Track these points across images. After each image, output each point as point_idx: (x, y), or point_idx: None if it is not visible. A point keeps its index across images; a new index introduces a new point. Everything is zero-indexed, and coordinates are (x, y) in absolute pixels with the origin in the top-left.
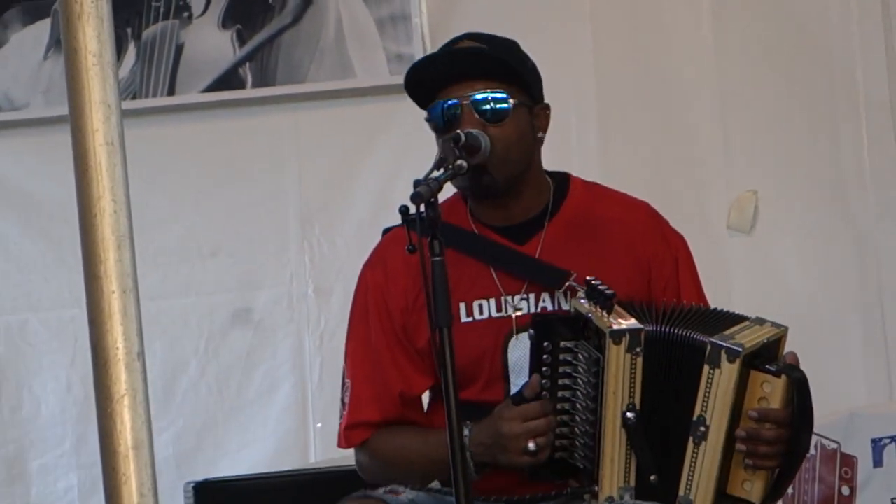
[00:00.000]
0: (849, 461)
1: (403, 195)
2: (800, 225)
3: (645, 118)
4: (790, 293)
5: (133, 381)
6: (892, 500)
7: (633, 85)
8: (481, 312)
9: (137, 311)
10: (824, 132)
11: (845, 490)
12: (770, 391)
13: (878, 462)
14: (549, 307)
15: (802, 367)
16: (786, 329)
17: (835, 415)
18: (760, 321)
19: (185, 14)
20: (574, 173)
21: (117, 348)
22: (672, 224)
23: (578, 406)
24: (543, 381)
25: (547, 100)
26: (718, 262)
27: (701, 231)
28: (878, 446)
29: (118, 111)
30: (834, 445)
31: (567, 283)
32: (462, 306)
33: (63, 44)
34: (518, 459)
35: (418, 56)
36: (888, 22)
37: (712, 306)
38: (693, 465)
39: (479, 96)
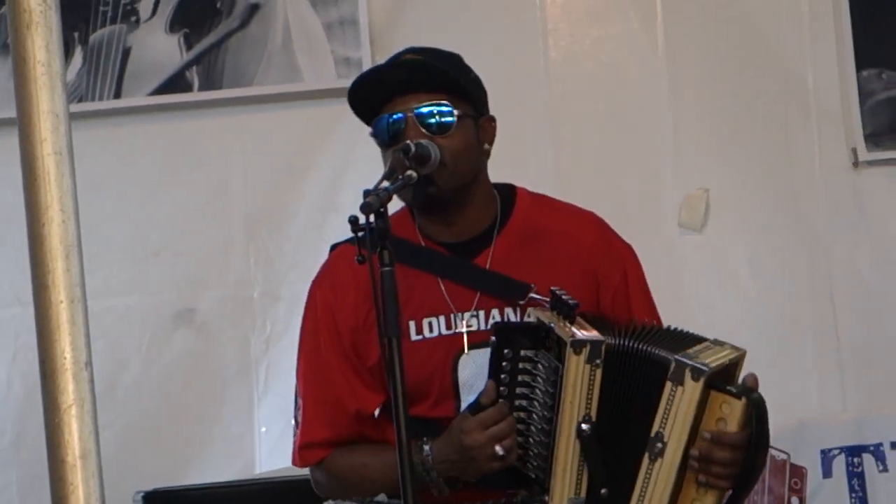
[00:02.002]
0: (798, 472)
1: (350, 199)
2: (751, 225)
3: (596, 120)
4: (742, 293)
5: (81, 391)
6: None
7: (585, 87)
8: (431, 330)
9: (85, 320)
10: (775, 134)
11: (795, 501)
12: (729, 412)
13: (827, 473)
14: (501, 323)
15: (753, 369)
16: (744, 352)
17: (785, 425)
18: (719, 343)
19: (133, 18)
20: (526, 177)
21: (65, 358)
22: (623, 223)
23: (535, 415)
24: (501, 389)
25: (496, 103)
26: (670, 261)
27: (652, 230)
28: (827, 457)
29: (66, 121)
30: (784, 456)
31: (529, 295)
32: (412, 324)
33: (12, 53)
34: (488, 466)
35: (366, 60)
36: (839, 25)
37: (664, 312)
38: (647, 480)
39: (423, 109)
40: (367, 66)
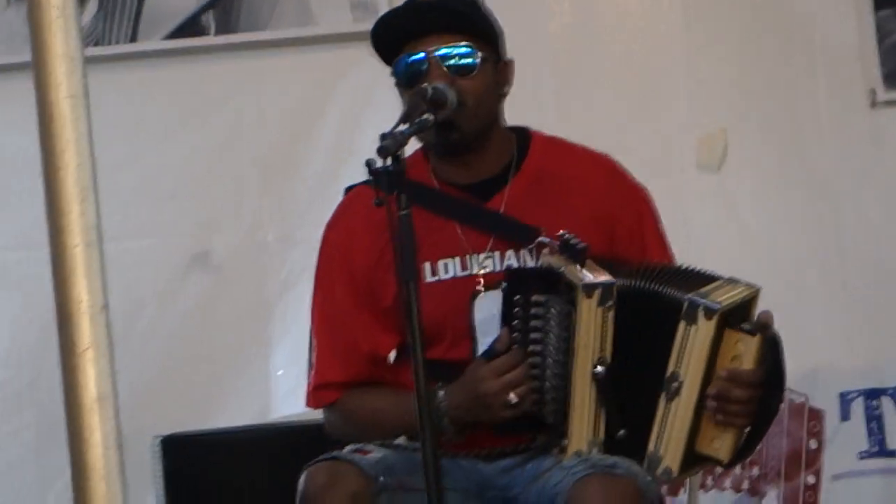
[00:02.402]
0: (816, 415)
1: (364, 143)
2: (763, 167)
3: (606, 61)
4: (751, 236)
5: (97, 335)
6: (858, 454)
7: (594, 25)
8: (446, 271)
9: (101, 264)
10: (789, 75)
11: (813, 444)
12: (744, 350)
13: (845, 416)
14: (515, 265)
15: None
16: (759, 289)
17: (801, 369)
18: (733, 281)
19: None
20: (532, 117)
21: (81, 302)
22: (636, 164)
23: (549, 360)
24: (514, 335)
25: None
26: (680, 203)
27: (663, 172)
28: (845, 400)
29: (81, 64)
30: (801, 399)
31: (537, 239)
32: (427, 266)
33: None
34: (502, 413)
35: (382, 4)
36: None
37: (677, 252)
38: (664, 420)
39: (446, 50)
40: (382, 11)
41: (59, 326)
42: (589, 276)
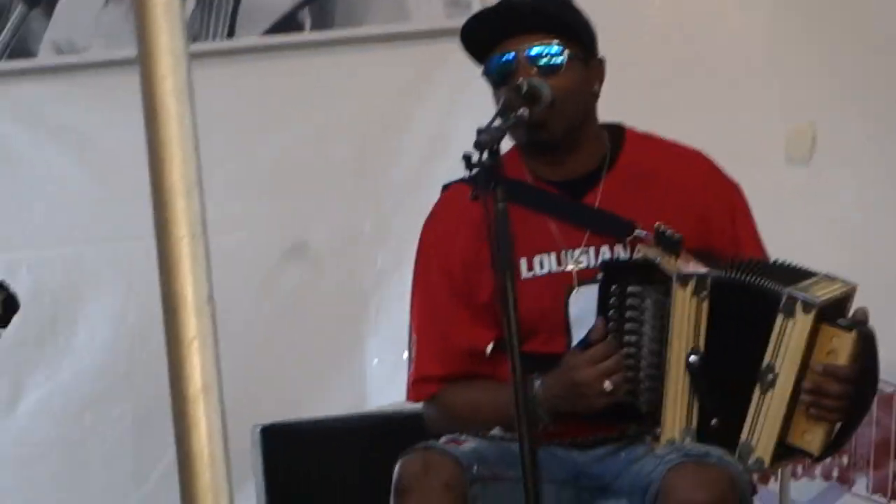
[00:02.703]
0: None
1: (458, 137)
2: (859, 158)
3: (696, 55)
4: (848, 228)
5: (202, 326)
6: None
7: (685, 23)
8: (542, 267)
9: (207, 255)
10: (883, 62)
11: None
12: (839, 345)
13: None
14: (609, 260)
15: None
16: (855, 286)
17: (893, 360)
18: (830, 277)
19: None
20: (625, 114)
21: (187, 293)
22: (728, 157)
23: (644, 349)
24: (610, 325)
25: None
26: (774, 193)
27: (755, 164)
28: None
29: (186, 60)
30: (891, 389)
31: (634, 233)
32: (523, 261)
33: None
34: (598, 402)
35: (475, 1)
36: None
37: (770, 244)
38: (758, 411)
39: (534, 50)
40: (475, 7)
41: (165, 318)
42: (684, 267)
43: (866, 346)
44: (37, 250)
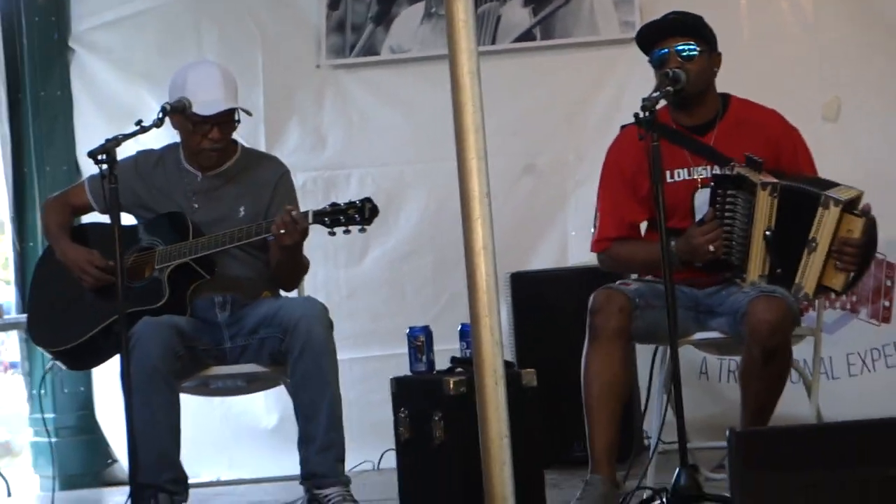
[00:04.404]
0: (892, 266)
1: (625, 105)
2: (879, 115)
3: (765, 48)
4: (867, 165)
5: (483, 209)
6: None
7: (766, 27)
8: (678, 176)
9: (486, 170)
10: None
11: (888, 283)
12: (854, 226)
13: None
14: (718, 174)
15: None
16: (862, 192)
17: (885, 237)
18: (848, 186)
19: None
20: (730, 86)
21: (474, 188)
22: (789, 116)
23: (737, 228)
24: (717, 212)
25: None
26: (814, 143)
27: (799, 121)
28: None
29: (476, 55)
30: (881, 257)
31: (732, 162)
32: (668, 173)
33: (446, 15)
34: (704, 256)
35: (637, 23)
36: None
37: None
38: (806, 265)
39: (679, 47)
40: (638, 25)
41: (462, 203)
42: (764, 179)
43: (870, 227)
44: (379, 167)
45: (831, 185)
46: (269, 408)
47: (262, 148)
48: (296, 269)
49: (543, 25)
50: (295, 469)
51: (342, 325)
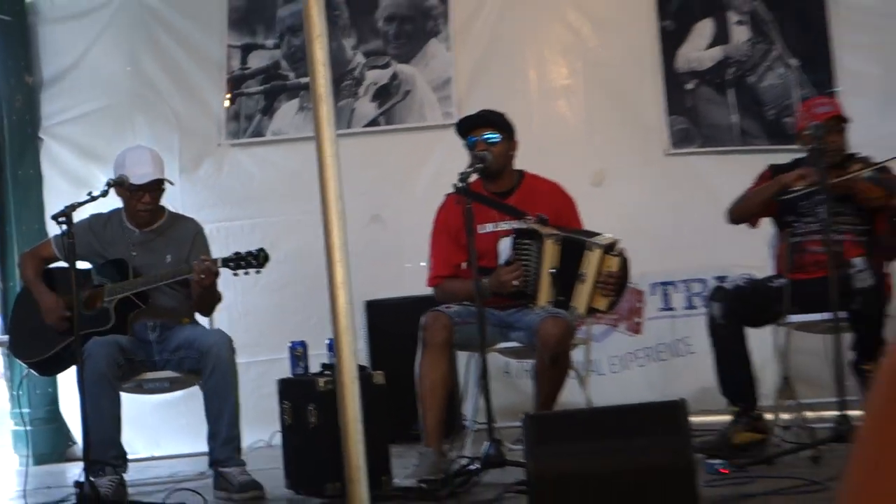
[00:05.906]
0: (640, 293)
1: (448, 175)
2: (634, 182)
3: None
4: (623, 219)
5: (341, 248)
6: (657, 309)
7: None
8: (488, 229)
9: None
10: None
11: (638, 304)
12: (613, 263)
13: (652, 292)
14: (517, 227)
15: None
16: (619, 238)
17: (637, 272)
18: (607, 235)
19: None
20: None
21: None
22: (565, 185)
23: (531, 267)
24: (516, 256)
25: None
26: (584, 202)
27: (574, 187)
28: (655, 287)
29: (335, 141)
30: (633, 285)
31: (528, 217)
32: (480, 226)
33: (314, 111)
34: (510, 289)
35: (455, 113)
36: None
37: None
38: (579, 293)
39: (486, 135)
40: (457, 116)
41: (327, 253)
42: (548, 231)
43: (624, 264)
44: (265, 219)
45: (595, 234)
46: (187, 403)
47: (179, 204)
48: (211, 300)
49: (386, 115)
50: (205, 447)
51: (241, 336)
